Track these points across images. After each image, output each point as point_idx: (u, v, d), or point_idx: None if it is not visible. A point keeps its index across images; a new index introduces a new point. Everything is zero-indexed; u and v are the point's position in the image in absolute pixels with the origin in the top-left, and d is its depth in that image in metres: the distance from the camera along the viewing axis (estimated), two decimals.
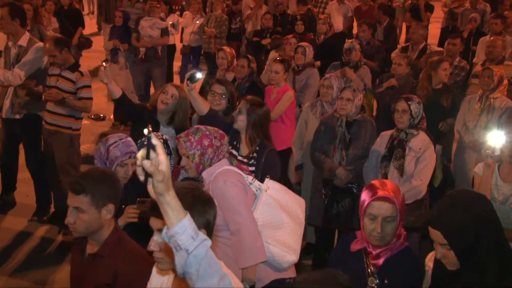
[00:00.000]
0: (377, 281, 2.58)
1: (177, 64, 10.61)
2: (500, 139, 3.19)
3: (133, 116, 4.72)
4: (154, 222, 2.04)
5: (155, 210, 1.98)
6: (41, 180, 5.89)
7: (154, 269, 2.30)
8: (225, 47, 6.43)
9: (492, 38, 6.56)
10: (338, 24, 10.97)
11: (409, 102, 4.20)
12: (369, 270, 2.61)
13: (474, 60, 7.74)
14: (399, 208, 2.53)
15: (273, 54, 8.11)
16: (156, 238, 2.03)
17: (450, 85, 5.68)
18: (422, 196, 4.19)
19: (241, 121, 3.98)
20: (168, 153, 3.46)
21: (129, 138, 3.40)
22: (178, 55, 10.47)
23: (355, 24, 11.03)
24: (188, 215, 1.61)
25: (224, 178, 3.12)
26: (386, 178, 4.23)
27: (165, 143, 3.48)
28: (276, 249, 3.08)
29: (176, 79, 10.32)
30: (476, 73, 6.12)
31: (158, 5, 8.93)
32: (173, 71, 10.36)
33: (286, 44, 7.16)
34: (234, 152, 4.06)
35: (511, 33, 8.06)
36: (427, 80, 5.49)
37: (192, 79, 4.03)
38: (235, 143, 4.07)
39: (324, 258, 4.54)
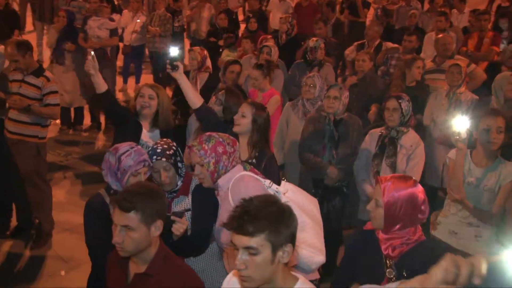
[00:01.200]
0: (395, 272, 2.63)
1: (119, 64, 10.31)
2: (464, 123, 3.42)
3: (116, 117, 4.45)
4: (238, 240, 1.97)
5: (239, 227, 1.93)
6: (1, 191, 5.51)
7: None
8: (195, 47, 6.31)
9: (442, 35, 6.88)
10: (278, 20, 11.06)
11: (400, 101, 4.32)
12: (386, 261, 2.65)
13: (421, 55, 8.08)
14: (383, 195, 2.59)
15: (226, 53, 8.08)
16: (241, 256, 1.97)
17: (423, 83, 5.88)
18: None
19: (245, 125, 3.91)
20: (180, 161, 3.36)
21: (139, 146, 3.27)
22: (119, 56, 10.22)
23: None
24: None
25: (244, 184, 3.04)
26: (378, 175, 4.32)
27: (177, 150, 3.37)
28: (305, 251, 3.04)
29: (119, 79, 10.01)
30: (430, 69, 6.37)
31: (106, 5, 8.59)
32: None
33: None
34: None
35: (453, 29, 8.49)
36: (401, 78, 5.67)
37: (172, 63, 3.85)
38: None
39: None
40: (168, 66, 3.89)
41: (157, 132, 4.39)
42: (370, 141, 4.49)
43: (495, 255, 1.39)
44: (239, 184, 3.04)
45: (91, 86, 4.38)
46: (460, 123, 3.44)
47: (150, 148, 3.37)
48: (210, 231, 3.23)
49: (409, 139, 4.34)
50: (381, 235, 2.63)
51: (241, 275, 1.99)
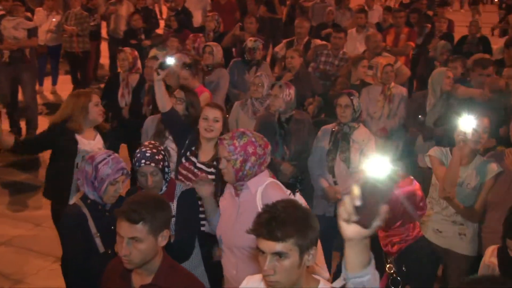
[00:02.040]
0: (394, 267, 2.71)
1: None
2: (470, 123, 3.45)
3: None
4: (267, 246, 1.99)
5: (268, 233, 1.96)
6: None
7: None
8: (126, 48, 6.15)
9: (372, 32, 7.22)
10: (197, 18, 11.01)
11: (351, 97, 4.48)
12: (386, 257, 2.75)
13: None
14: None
15: (154, 52, 7.93)
16: (270, 261, 1.99)
17: (366, 82, 6.11)
18: None
19: (219, 129, 3.88)
20: (167, 166, 3.32)
21: (116, 154, 3.20)
22: None
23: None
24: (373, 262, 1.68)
25: (275, 192, 2.99)
26: (333, 171, 4.48)
27: (165, 155, 3.34)
28: (317, 267, 3.04)
29: None
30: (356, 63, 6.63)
31: (20, 4, 8.11)
32: None
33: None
34: (193, 158, 3.95)
35: (369, 25, 8.91)
36: (346, 76, 5.89)
37: (162, 66, 3.87)
38: (193, 149, 3.97)
39: None
40: (159, 71, 3.90)
41: (98, 136, 4.33)
42: (323, 137, 4.62)
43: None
44: (271, 191, 2.99)
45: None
46: (467, 123, 3.44)
47: (138, 151, 3.30)
48: (195, 237, 3.23)
49: (361, 134, 4.53)
50: (380, 233, 2.72)
51: (270, 281, 2.00)
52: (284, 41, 7.85)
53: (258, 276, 2.27)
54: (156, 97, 4.11)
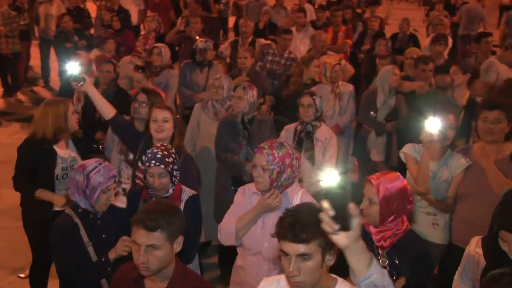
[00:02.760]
0: (388, 261, 2.87)
1: None
2: (437, 125, 3.69)
3: None
4: (292, 248, 2.06)
5: (294, 236, 2.04)
6: None
7: None
8: (81, 52, 5.98)
9: (318, 31, 7.43)
10: (133, 17, 10.83)
11: (314, 97, 4.63)
12: (379, 251, 2.91)
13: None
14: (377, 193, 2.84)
15: (95, 53, 7.76)
16: (294, 263, 2.07)
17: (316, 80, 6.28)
18: None
19: (170, 129, 3.92)
20: (176, 169, 3.35)
21: (107, 162, 3.18)
22: None
23: None
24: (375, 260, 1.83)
25: (310, 199, 3.13)
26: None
27: (175, 158, 3.37)
28: None
29: None
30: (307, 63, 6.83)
31: None
32: None
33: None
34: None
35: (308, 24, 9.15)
36: (299, 75, 6.03)
37: (76, 78, 3.83)
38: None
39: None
40: (73, 83, 3.85)
41: (71, 143, 4.25)
42: (287, 136, 4.74)
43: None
44: (307, 198, 3.13)
45: None
46: (433, 124, 3.67)
47: (149, 152, 3.30)
48: (198, 242, 3.32)
49: (323, 132, 4.68)
50: (372, 229, 2.84)
51: (295, 281, 2.07)
52: (229, 40, 7.90)
53: (274, 278, 2.35)
54: (96, 106, 4.11)
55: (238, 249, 3.29)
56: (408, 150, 4.07)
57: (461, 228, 3.77)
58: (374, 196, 2.80)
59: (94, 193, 3.01)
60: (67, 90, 5.78)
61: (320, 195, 1.75)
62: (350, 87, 6.15)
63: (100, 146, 5.13)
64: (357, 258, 1.78)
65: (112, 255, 3.03)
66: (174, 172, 3.31)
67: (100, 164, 3.08)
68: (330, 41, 8.39)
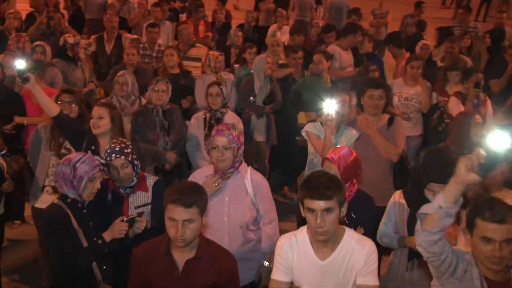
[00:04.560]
0: (346, 216, 3.51)
1: None
2: (333, 105, 4.42)
3: None
4: (318, 205, 2.63)
5: (321, 195, 2.63)
6: None
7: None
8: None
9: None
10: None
11: (221, 87, 5.17)
12: None
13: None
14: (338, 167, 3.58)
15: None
16: (320, 216, 2.63)
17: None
18: None
19: (105, 125, 4.20)
20: (136, 159, 3.62)
21: (89, 153, 3.47)
22: None
23: None
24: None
25: (257, 173, 3.64)
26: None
27: (133, 149, 3.65)
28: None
29: None
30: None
31: None
32: None
33: None
34: (97, 157, 4.17)
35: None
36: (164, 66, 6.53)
37: (22, 76, 3.90)
38: (93, 148, 4.19)
39: None
40: (18, 79, 3.93)
41: None
42: (197, 124, 5.22)
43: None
44: (255, 173, 3.66)
45: None
46: (329, 106, 4.37)
47: (108, 148, 3.56)
48: None
49: (230, 117, 5.25)
50: None
51: (322, 231, 2.64)
52: (93, 36, 7.90)
53: (290, 234, 2.89)
54: (40, 104, 4.20)
55: None
56: (309, 129, 4.78)
57: None
58: (335, 170, 3.46)
59: (81, 182, 3.23)
60: None
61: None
62: (231, 76, 6.73)
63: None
64: (458, 190, 2.37)
65: (108, 237, 3.28)
66: (135, 162, 3.64)
67: (84, 155, 3.32)
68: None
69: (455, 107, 5.56)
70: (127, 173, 3.55)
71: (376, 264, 2.76)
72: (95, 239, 3.29)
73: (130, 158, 3.56)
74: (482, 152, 2.45)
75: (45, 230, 3.23)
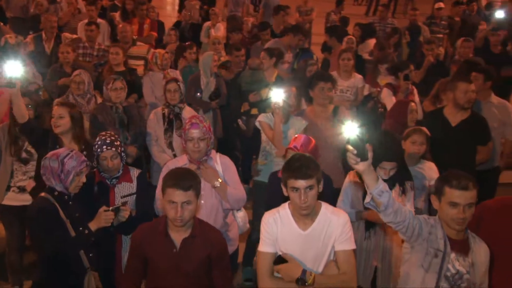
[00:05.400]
0: None
1: None
2: (281, 95, 4.82)
3: None
4: (300, 183, 3.04)
5: (303, 174, 3.04)
6: None
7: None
8: None
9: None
10: None
11: (178, 83, 5.45)
12: None
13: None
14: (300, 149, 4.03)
15: None
16: (303, 193, 3.03)
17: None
18: None
19: (66, 124, 4.43)
20: (123, 151, 3.93)
21: (76, 150, 3.67)
22: None
23: None
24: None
25: (225, 157, 4.07)
26: (172, 146, 5.41)
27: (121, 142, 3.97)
28: (242, 213, 4.19)
29: None
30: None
31: None
32: None
33: None
34: None
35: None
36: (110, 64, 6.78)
37: (12, 80, 4.03)
38: (57, 147, 4.34)
39: None
40: (5, 85, 4.10)
41: None
42: (156, 119, 5.47)
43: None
44: (223, 157, 4.08)
45: None
46: (276, 95, 4.78)
47: (98, 139, 3.82)
48: (153, 210, 3.89)
49: (188, 112, 5.54)
50: None
51: (305, 206, 3.04)
52: (30, 36, 7.83)
53: (273, 210, 3.26)
54: (14, 109, 4.36)
55: None
56: (262, 119, 5.16)
57: None
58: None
59: (68, 176, 3.43)
60: None
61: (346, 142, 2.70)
62: (177, 72, 7.00)
63: None
64: (370, 177, 2.80)
65: (93, 227, 3.50)
66: (122, 154, 3.92)
67: (72, 151, 3.52)
68: (136, 33, 8.89)
69: (387, 97, 6.17)
70: (116, 164, 3.83)
71: (351, 232, 3.22)
72: (81, 229, 3.49)
73: (119, 150, 3.84)
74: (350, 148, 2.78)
75: (34, 220, 3.39)
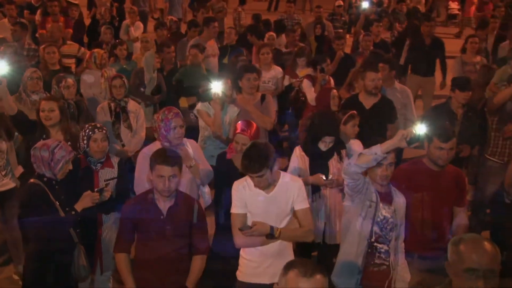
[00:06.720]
0: None
1: None
2: (219, 87, 5.44)
3: None
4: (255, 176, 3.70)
5: (260, 167, 3.72)
6: None
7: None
8: None
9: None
10: None
11: (123, 79, 5.91)
12: None
13: None
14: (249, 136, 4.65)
15: None
16: (258, 180, 3.67)
17: None
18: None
19: (56, 117, 4.86)
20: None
21: (63, 141, 4.13)
22: None
23: None
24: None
25: (192, 141, 4.75)
26: (120, 137, 5.87)
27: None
28: (207, 188, 4.91)
29: None
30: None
31: None
32: None
33: None
34: None
35: None
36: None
37: None
38: (44, 137, 4.79)
39: None
40: None
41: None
42: (104, 113, 5.90)
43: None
44: (191, 141, 4.79)
45: None
46: (216, 87, 5.39)
47: (88, 125, 4.42)
48: (129, 192, 4.50)
49: (133, 105, 6.03)
50: None
51: (260, 186, 3.72)
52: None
53: (242, 179, 3.88)
54: (5, 102, 4.81)
55: None
56: (200, 107, 5.72)
57: None
58: (247, 141, 4.45)
59: (58, 164, 3.92)
60: None
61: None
62: (114, 70, 7.37)
63: None
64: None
65: (79, 207, 3.99)
66: (108, 138, 4.50)
67: (60, 142, 4.01)
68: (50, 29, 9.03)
69: (307, 88, 7.01)
70: (104, 146, 4.38)
71: (306, 193, 3.94)
72: (67, 209, 3.96)
73: (108, 134, 4.44)
74: (413, 130, 3.59)
75: (25, 203, 3.85)
